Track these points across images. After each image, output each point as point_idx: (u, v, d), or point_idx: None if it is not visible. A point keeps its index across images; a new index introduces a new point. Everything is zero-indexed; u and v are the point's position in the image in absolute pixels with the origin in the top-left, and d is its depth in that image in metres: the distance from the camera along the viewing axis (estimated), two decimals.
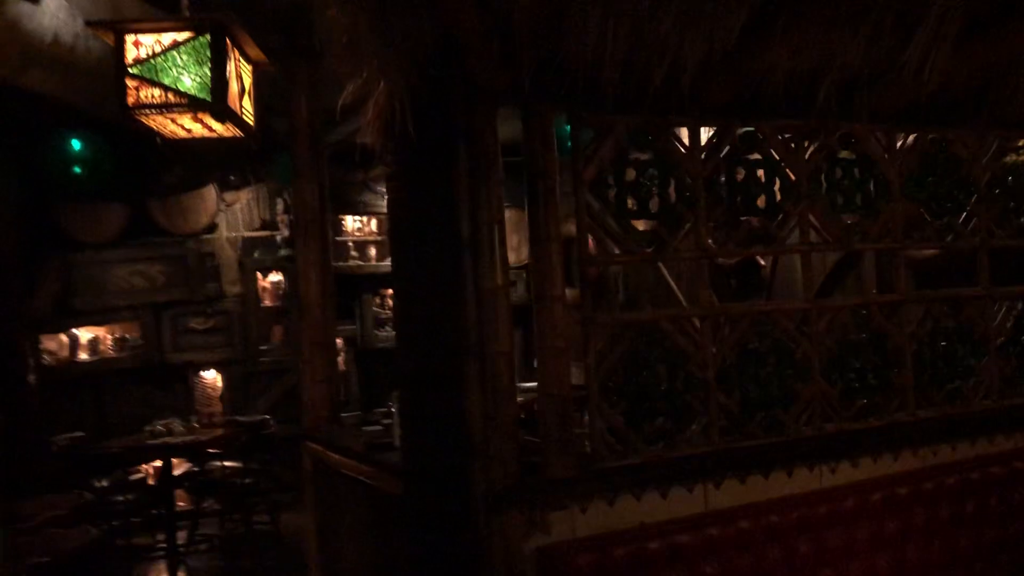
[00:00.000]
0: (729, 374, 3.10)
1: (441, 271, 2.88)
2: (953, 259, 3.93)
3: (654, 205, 3.05)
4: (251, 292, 7.98)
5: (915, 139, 3.50)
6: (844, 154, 3.40)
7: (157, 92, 3.29)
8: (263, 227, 8.10)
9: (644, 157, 3.03)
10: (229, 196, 8.02)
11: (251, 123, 3.79)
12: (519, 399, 2.89)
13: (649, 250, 3.07)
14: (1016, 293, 3.69)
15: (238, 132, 3.62)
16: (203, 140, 3.71)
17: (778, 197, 3.24)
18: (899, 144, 3.47)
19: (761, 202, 3.22)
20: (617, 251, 3.06)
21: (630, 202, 3.01)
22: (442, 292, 2.89)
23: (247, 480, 6.52)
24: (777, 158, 3.22)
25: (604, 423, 2.92)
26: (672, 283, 6.38)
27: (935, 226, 3.54)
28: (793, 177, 3.25)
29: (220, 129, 3.56)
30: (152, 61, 3.27)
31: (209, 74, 3.28)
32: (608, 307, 6.98)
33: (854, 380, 3.33)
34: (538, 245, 2.86)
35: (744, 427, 3.11)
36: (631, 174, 3.01)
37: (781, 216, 3.25)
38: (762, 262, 5.86)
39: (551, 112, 2.89)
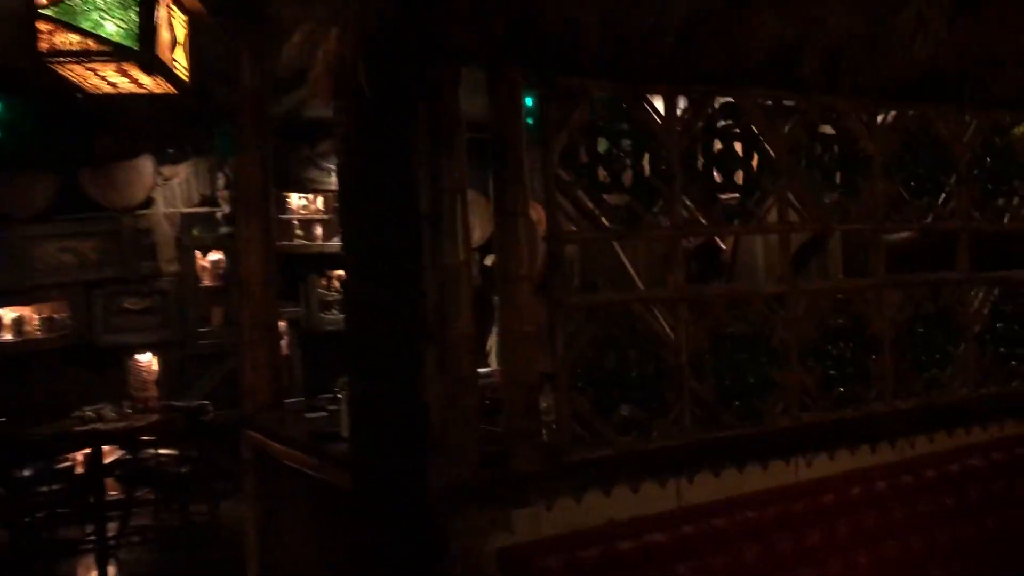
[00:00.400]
0: (703, 360, 2.90)
1: (396, 246, 2.63)
2: (927, 243, 3.79)
3: (628, 179, 2.83)
4: (190, 271, 7.60)
5: (897, 116, 3.33)
6: (824, 130, 3.22)
7: (75, 38, 2.94)
8: (203, 203, 7.70)
9: (619, 127, 2.81)
10: (167, 169, 7.61)
11: (184, 79, 3.45)
12: None
13: (622, 227, 2.85)
14: (995, 279, 3.56)
15: (170, 88, 3.28)
16: (133, 99, 3.37)
17: (756, 173, 3.04)
18: (880, 121, 3.29)
19: (738, 178, 3.03)
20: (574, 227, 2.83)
21: (602, 175, 2.78)
22: (397, 269, 2.64)
23: (183, 469, 6.18)
24: (756, 132, 3.03)
25: (572, 412, 2.70)
26: (629, 266, 6.21)
27: (915, 207, 3.39)
28: (772, 152, 3.05)
29: (149, 84, 3.22)
30: (69, 2, 2.91)
31: (136, 19, 2.94)
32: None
33: (832, 367, 3.16)
34: (504, 220, 2.62)
35: (719, 417, 2.92)
36: (604, 144, 2.78)
37: (759, 193, 3.05)
38: (723, 245, 5.70)
39: (520, 74, 2.64)
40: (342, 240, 2.92)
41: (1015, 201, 3.63)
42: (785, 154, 3.07)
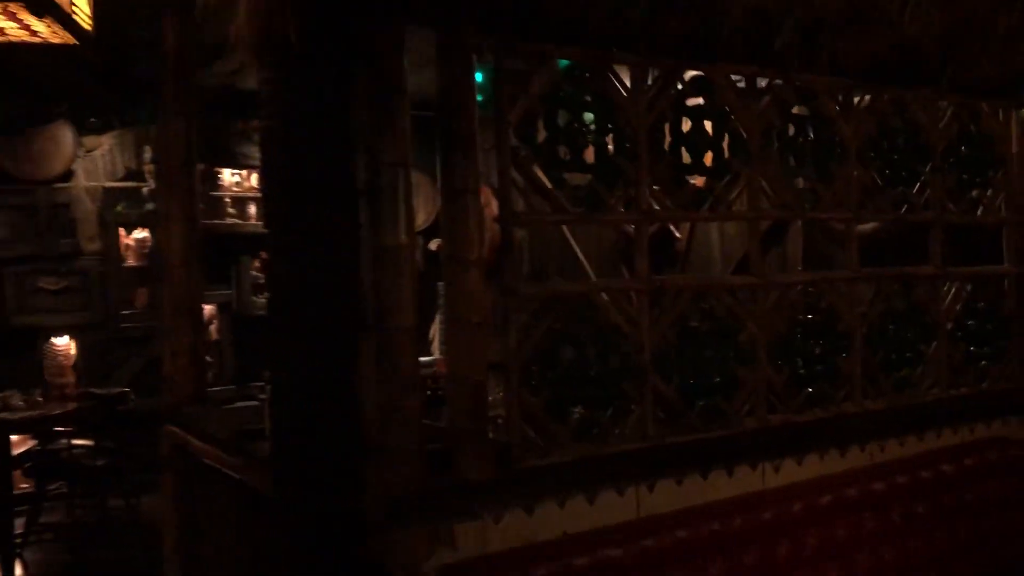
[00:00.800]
0: (667, 357, 2.66)
1: (329, 225, 2.32)
2: (894, 234, 3.61)
3: (589, 157, 2.57)
4: (113, 250, 7.11)
5: (873, 98, 3.13)
6: (798, 111, 3.00)
7: None
8: (128, 177, 7.21)
9: (582, 98, 2.53)
10: (89, 140, 7.10)
11: (87, 28, 3.05)
12: None
13: (582, 209, 2.58)
14: (968, 274, 3.39)
15: (69, 38, 2.89)
16: (35, 55, 2.97)
17: (727, 155, 2.80)
18: (857, 103, 3.08)
19: (708, 160, 2.78)
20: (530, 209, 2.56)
21: (562, 151, 2.51)
22: (330, 251, 2.34)
23: (100, 461, 5.75)
24: (728, 110, 2.78)
25: (524, 413, 2.43)
26: (580, 254, 5.97)
27: (889, 196, 3.19)
28: (744, 133, 2.82)
29: (43, 31, 2.83)
30: None
31: None
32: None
33: (801, 366, 2.95)
34: (452, 198, 2.33)
35: (683, 419, 2.68)
36: (565, 117, 2.51)
37: (729, 177, 2.81)
38: (677, 234, 5.47)
39: (474, 36, 2.35)
40: (265, 216, 2.59)
41: (989, 193, 3.45)
42: (757, 135, 2.83)
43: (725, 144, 2.80)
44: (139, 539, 5.73)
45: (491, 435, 2.43)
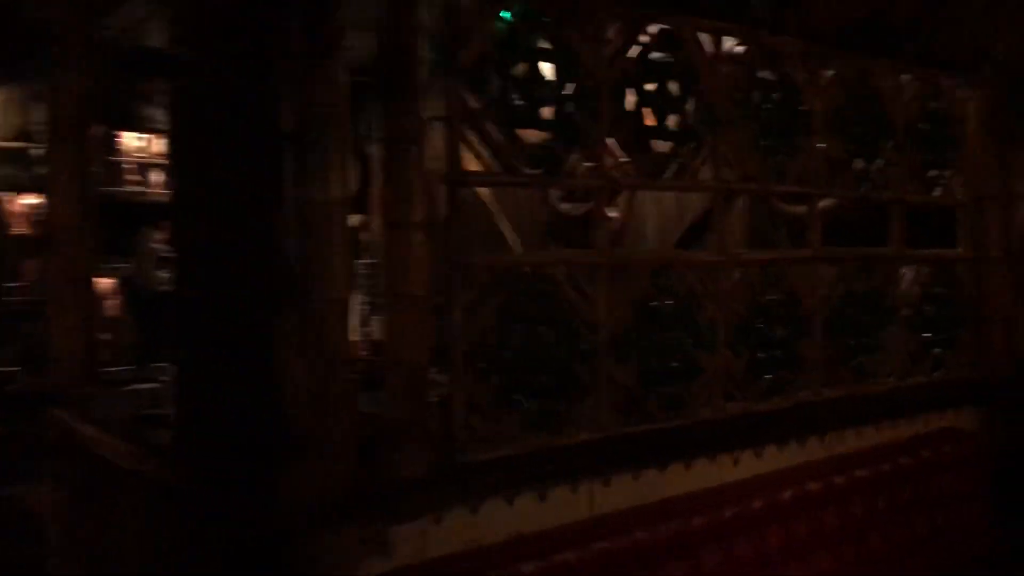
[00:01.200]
0: (625, 339, 2.41)
1: (247, 178, 1.99)
2: (848, 214, 3.43)
3: (547, 113, 2.29)
4: None
5: (839, 67, 2.93)
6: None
7: None
8: (18, 138, 6.61)
9: (541, 46, 2.25)
10: None
11: None
12: None
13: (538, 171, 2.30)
14: (926, 257, 3.24)
15: None
16: None
17: (692, 120, 2.56)
18: (825, 71, 2.88)
19: (672, 123, 2.54)
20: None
21: (518, 104, 2.22)
22: (247, 210, 2.01)
23: None
24: (695, 69, 2.54)
25: (470, 401, 2.15)
26: (506, 230, 5.69)
27: (852, 173, 3.01)
28: (711, 96, 2.58)
29: None
30: None
31: None
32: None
33: (760, 351, 2.74)
34: (393, 150, 2.03)
35: (639, 407, 2.44)
36: (523, 67, 2.22)
37: (694, 144, 2.57)
38: (613, 212, 5.24)
39: None
40: (172, 169, 2.23)
41: (948, 173, 3.32)
42: (724, 100, 2.60)
43: (691, 108, 2.56)
44: (24, 531, 5.22)
45: (431, 425, 2.13)
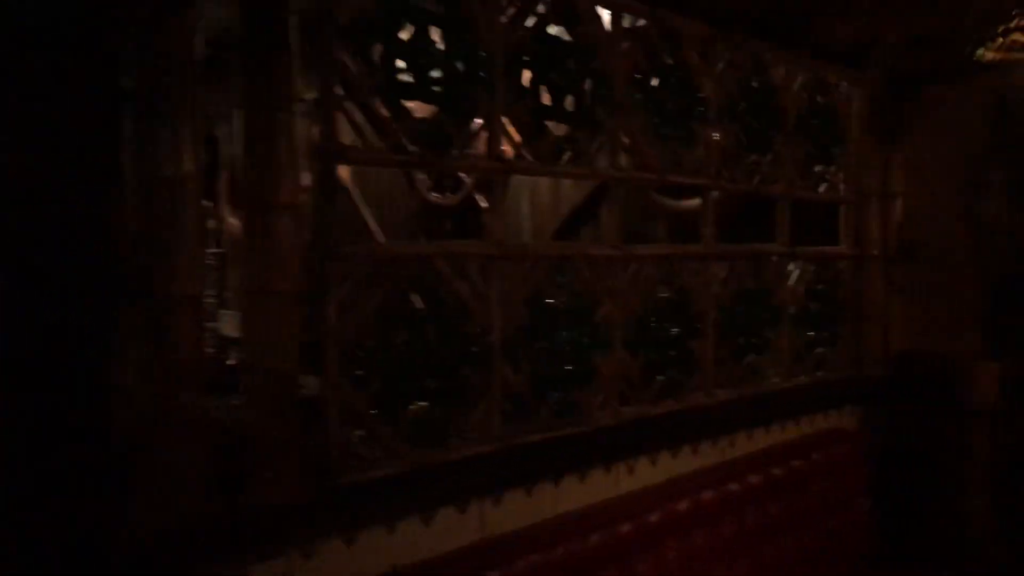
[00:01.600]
0: (518, 340, 2.18)
1: (76, 146, 1.61)
2: (728, 209, 3.33)
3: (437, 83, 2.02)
4: None
5: (736, 52, 2.80)
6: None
7: None
8: None
9: (429, 7, 1.98)
10: None
11: None
12: None
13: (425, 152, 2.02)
14: (813, 254, 3.18)
15: None
16: None
17: (588, 101, 2.35)
18: (721, 56, 2.74)
19: (569, 104, 2.32)
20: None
21: (403, 72, 1.94)
22: (77, 186, 1.63)
23: None
24: (593, 45, 2.33)
25: (346, 412, 1.85)
26: (372, 222, 5.36)
27: (745, 165, 2.89)
28: (608, 76, 2.38)
29: None
30: None
31: None
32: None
33: (654, 351, 2.57)
34: (257, 117, 1.70)
35: (532, 414, 2.22)
36: (409, 30, 1.94)
37: (591, 128, 2.37)
38: (483, 203, 5.00)
39: None
40: None
41: (833, 169, 3.26)
42: (622, 81, 2.41)
43: (588, 88, 2.35)
44: None
45: (299, 441, 1.82)
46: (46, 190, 1.67)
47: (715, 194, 2.83)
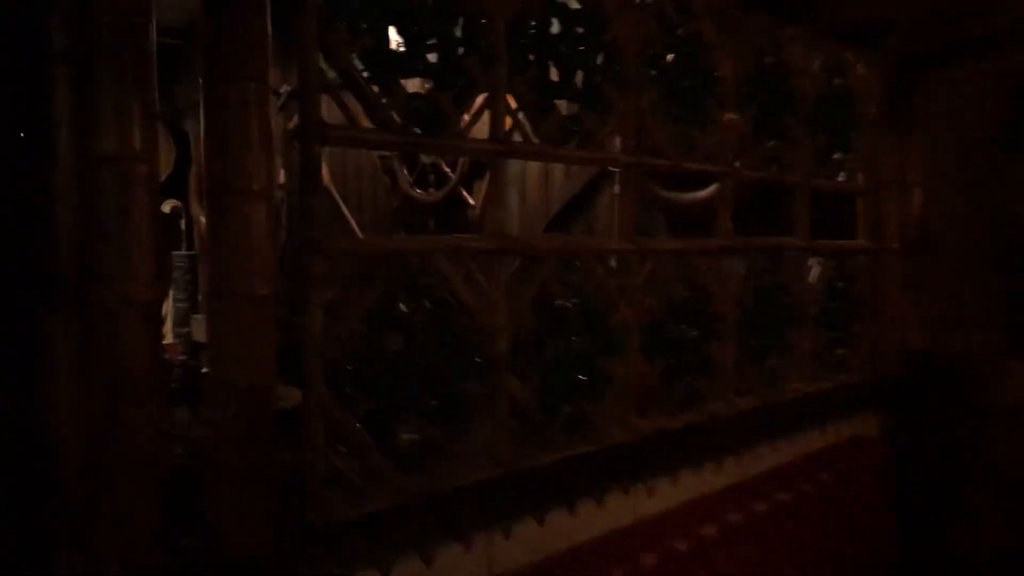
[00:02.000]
0: (525, 347, 1.91)
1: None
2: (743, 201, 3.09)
3: (432, 57, 1.75)
4: None
5: (752, 29, 2.56)
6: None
7: None
8: None
9: None
10: None
11: None
12: None
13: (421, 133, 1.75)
14: (833, 248, 2.94)
15: None
16: None
17: (599, 77, 2.09)
18: (736, 33, 2.49)
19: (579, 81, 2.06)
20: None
21: (395, 43, 1.67)
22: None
23: None
24: (604, 14, 2.07)
25: (331, 436, 1.58)
26: (351, 220, 5.08)
27: (762, 151, 2.65)
28: (621, 50, 2.12)
29: None
30: None
31: None
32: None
33: (673, 356, 2.32)
34: (223, 89, 1.42)
35: (541, 432, 1.95)
36: None
37: (602, 108, 2.11)
38: (471, 200, 4.74)
39: None
40: None
41: (850, 157, 3.03)
42: (634, 57, 2.15)
43: (599, 64, 2.09)
44: None
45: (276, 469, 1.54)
46: None
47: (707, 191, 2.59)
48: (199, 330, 4.98)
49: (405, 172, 4.90)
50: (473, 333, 1.78)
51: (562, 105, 2.03)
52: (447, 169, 4.71)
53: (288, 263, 1.56)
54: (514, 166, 4.09)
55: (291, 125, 4.52)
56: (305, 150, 1.54)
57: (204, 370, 2.55)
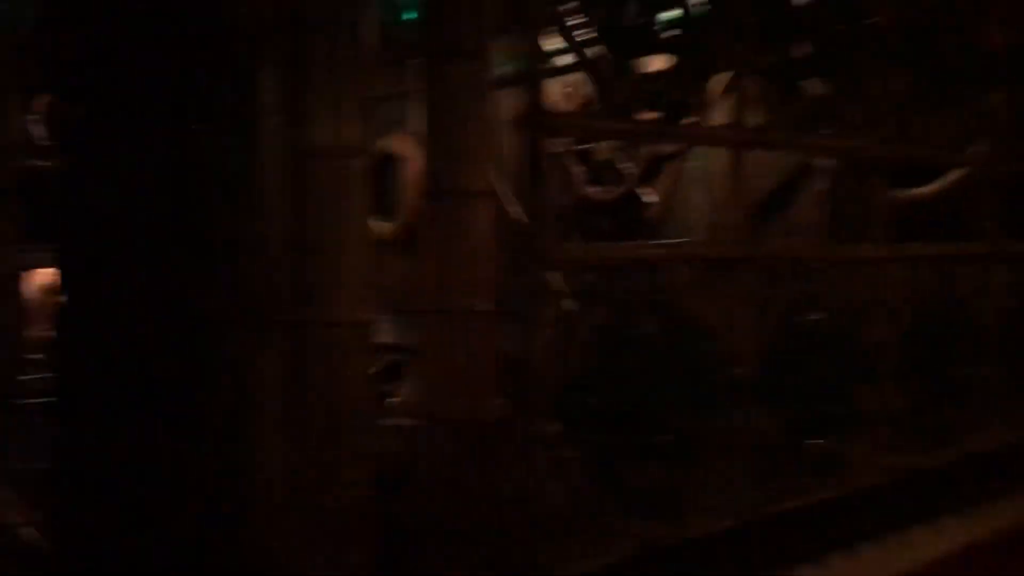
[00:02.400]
0: (770, 371, 1.62)
1: (188, 118, 1.16)
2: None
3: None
4: None
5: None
6: None
7: None
8: None
9: None
10: None
11: None
12: None
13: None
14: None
15: None
16: None
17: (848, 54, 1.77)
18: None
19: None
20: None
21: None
22: (175, 171, 1.17)
23: None
24: None
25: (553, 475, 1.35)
26: (518, 208, 4.87)
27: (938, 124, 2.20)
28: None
29: None
30: None
31: None
32: None
33: (928, 381, 1.96)
34: (442, 72, 1.21)
35: (787, 471, 1.66)
36: None
37: (852, 89, 1.78)
38: (650, 197, 4.42)
39: None
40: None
41: None
42: (888, 31, 1.81)
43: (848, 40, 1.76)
44: None
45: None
46: (141, 182, 1.21)
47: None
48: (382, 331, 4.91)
49: (581, 168, 4.65)
50: (713, 356, 1.51)
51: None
52: (627, 165, 4.43)
53: (512, 271, 1.33)
54: (697, 162, 3.76)
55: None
56: (532, 142, 1.30)
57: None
